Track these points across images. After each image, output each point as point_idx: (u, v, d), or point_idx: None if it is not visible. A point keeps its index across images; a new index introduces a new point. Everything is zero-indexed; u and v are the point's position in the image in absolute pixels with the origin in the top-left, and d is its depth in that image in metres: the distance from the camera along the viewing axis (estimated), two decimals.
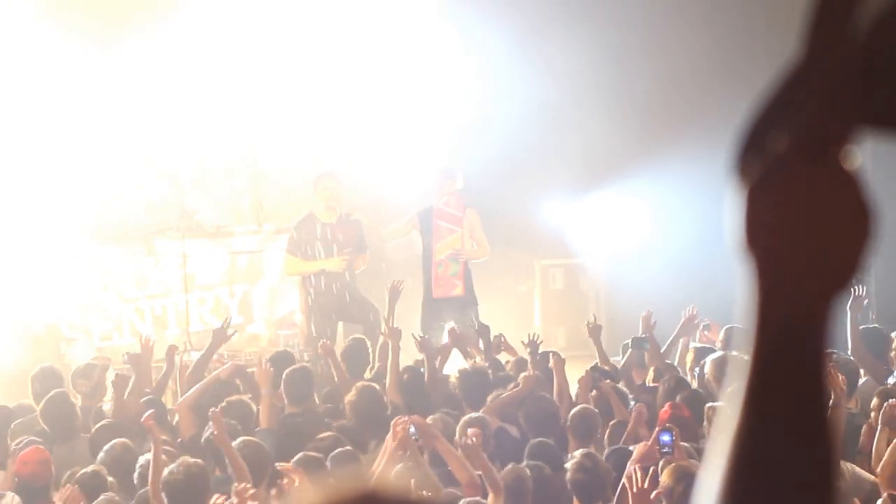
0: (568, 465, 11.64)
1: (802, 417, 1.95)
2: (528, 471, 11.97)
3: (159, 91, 21.11)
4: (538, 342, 15.91)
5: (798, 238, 1.94)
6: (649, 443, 11.65)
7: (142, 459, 12.76)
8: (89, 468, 12.60)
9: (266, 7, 20.96)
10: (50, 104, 20.56)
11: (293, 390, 14.91)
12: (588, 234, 21.96)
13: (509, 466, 12.04)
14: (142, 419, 12.88)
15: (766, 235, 1.95)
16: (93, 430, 14.12)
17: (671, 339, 16.70)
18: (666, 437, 11.38)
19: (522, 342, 16.35)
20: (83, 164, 20.83)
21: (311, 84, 21.57)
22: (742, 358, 1.97)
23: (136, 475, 12.64)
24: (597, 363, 15.68)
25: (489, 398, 14.50)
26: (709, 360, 14.69)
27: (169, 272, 20.84)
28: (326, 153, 21.21)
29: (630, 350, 16.03)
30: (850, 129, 1.92)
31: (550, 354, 15.45)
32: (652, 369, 15.59)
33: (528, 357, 15.84)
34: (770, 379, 1.94)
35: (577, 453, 11.69)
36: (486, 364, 16.17)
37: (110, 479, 12.35)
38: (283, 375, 14.96)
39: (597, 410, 13.49)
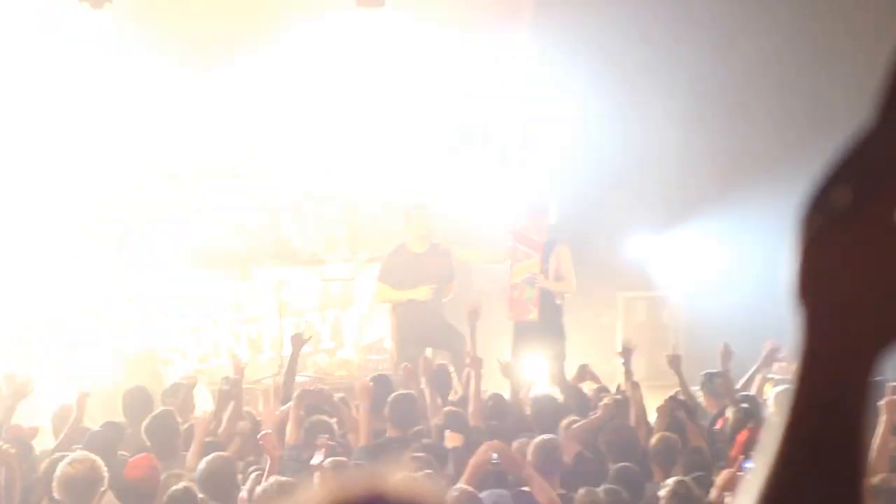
0: (661, 493, 11.80)
1: (837, 455, 1.97)
2: (602, 494, 12.10)
3: (255, 118, 21.46)
4: (631, 350, 16.17)
5: (848, 295, 1.96)
6: (733, 469, 11.75)
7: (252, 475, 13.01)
8: (181, 484, 12.52)
9: (357, 39, 20.99)
10: (152, 128, 20.84)
11: (397, 415, 15.09)
12: (669, 269, 22.25)
13: (582, 490, 12.15)
14: (259, 437, 13.22)
15: (818, 289, 1.96)
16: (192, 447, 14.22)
17: (751, 371, 16.60)
18: (750, 464, 11.46)
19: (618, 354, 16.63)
20: (186, 192, 21.34)
21: (403, 117, 21.77)
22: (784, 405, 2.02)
23: (244, 490, 12.79)
24: (677, 392, 15.79)
25: (563, 423, 14.57)
26: (774, 391, 15.21)
27: (264, 297, 21.23)
28: (417, 184, 21.39)
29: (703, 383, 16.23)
30: None
31: (630, 384, 15.61)
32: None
33: (622, 367, 16.11)
34: (812, 420, 1.98)
35: (671, 481, 11.88)
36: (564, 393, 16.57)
37: (201, 495, 12.28)
38: (390, 399, 15.20)
39: (675, 437, 13.64)
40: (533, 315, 19.16)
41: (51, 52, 20.06)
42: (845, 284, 1.91)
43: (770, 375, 16.19)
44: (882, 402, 12.34)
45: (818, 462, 1.92)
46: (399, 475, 2.00)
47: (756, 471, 1.96)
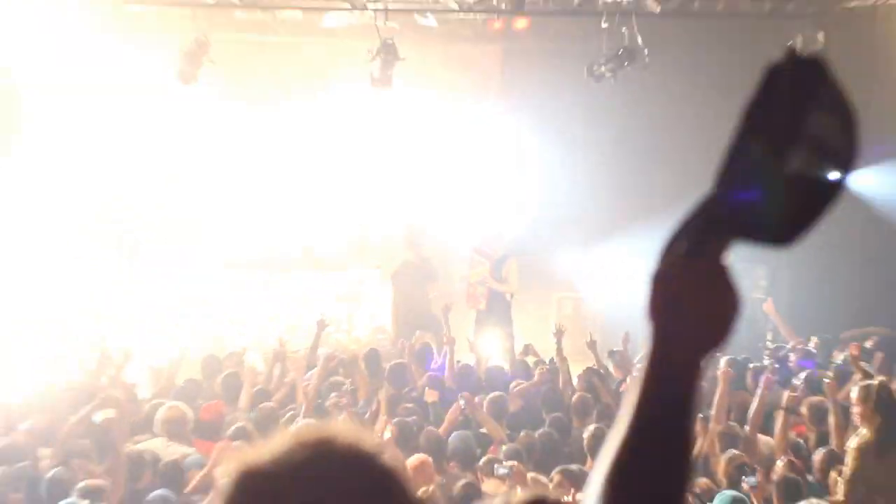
0: (585, 435, 13.14)
1: (674, 421, 2.30)
2: (537, 436, 13.78)
3: (295, 154, 23.02)
4: (562, 333, 17.42)
5: (682, 314, 2.27)
6: None
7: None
8: (239, 423, 14.02)
9: (372, 104, 21.72)
10: (220, 157, 22.55)
11: (393, 377, 16.61)
12: (590, 276, 23.55)
13: (523, 433, 13.95)
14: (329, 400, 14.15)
15: (662, 306, 2.28)
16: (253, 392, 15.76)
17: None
18: None
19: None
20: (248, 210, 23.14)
21: (403, 160, 23.34)
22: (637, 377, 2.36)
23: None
24: (593, 364, 17.24)
25: (511, 385, 16.61)
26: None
27: (298, 292, 23.16)
28: (412, 211, 22.94)
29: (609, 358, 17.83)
30: (726, 239, 2.25)
31: (559, 358, 17.34)
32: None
33: (555, 346, 17.44)
34: (654, 393, 2.29)
35: (591, 427, 13.27)
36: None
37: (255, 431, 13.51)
38: (388, 366, 16.95)
39: (590, 396, 15.34)
40: (482, 306, 21.20)
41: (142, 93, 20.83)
42: (680, 305, 2.25)
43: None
44: (719, 372, 14.11)
45: (661, 417, 2.28)
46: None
47: (616, 429, 2.32)
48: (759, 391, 14.01)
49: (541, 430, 14.06)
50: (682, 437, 2.26)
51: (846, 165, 2.18)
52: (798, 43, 18.79)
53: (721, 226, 2.20)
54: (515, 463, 11.95)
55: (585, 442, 12.92)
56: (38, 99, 20.01)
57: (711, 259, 2.21)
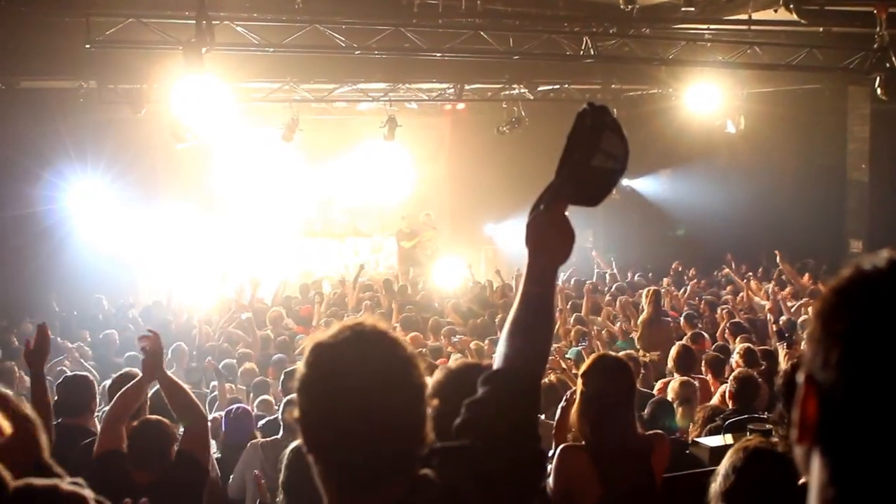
0: (498, 319, 13.05)
1: (543, 300, 2.31)
2: (478, 321, 14.06)
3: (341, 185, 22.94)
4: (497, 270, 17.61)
5: (544, 243, 2.34)
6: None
7: None
8: (320, 319, 14.55)
9: (381, 150, 21.71)
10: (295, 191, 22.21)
11: (401, 295, 16.75)
12: (498, 238, 23.12)
13: (470, 321, 14.31)
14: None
15: (534, 238, 2.35)
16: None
17: None
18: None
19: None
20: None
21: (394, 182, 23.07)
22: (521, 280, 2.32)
23: None
24: (504, 283, 16.85)
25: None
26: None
27: (349, 250, 23.20)
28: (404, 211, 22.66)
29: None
30: (565, 202, 2.33)
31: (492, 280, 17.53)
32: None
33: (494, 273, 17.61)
34: (531, 288, 2.31)
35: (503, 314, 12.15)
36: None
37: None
38: (397, 289, 17.16)
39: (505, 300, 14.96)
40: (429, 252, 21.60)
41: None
42: (542, 238, 2.34)
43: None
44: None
45: (537, 295, 2.32)
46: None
47: (512, 310, 2.33)
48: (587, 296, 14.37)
49: (479, 319, 14.53)
50: (546, 311, 2.30)
51: (623, 162, 2.35)
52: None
53: (560, 196, 2.33)
54: (462, 336, 12.51)
55: (500, 323, 12.72)
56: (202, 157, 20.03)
57: (557, 213, 2.33)
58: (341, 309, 15.35)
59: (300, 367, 2.09)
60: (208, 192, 21.32)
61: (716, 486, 3.31)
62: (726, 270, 18.29)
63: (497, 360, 2.31)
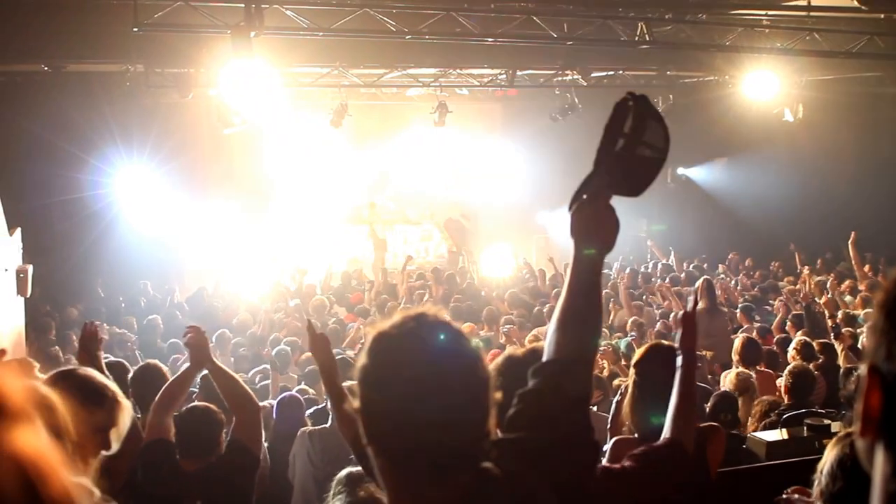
0: (545, 309, 13.25)
1: (589, 289, 2.34)
2: (532, 312, 14.12)
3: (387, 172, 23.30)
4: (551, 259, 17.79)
5: (589, 233, 2.36)
6: None
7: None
8: (367, 306, 15.06)
9: (432, 134, 21.64)
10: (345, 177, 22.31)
11: (449, 283, 17.01)
12: (550, 227, 22.76)
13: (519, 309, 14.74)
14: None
15: (579, 229, 2.38)
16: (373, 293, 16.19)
17: None
18: None
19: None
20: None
21: (445, 171, 23.39)
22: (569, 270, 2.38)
23: None
24: (556, 272, 17.27)
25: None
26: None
27: (399, 238, 23.46)
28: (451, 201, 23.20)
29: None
30: (608, 192, 2.35)
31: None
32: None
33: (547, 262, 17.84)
34: (577, 278, 2.34)
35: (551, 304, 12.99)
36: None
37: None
38: (445, 276, 17.28)
39: (558, 289, 14.39)
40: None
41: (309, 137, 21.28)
42: (588, 228, 2.37)
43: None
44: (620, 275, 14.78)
45: (583, 285, 2.35)
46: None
47: (560, 298, 2.36)
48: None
49: (535, 308, 14.58)
50: (594, 301, 2.34)
51: (665, 152, 2.38)
52: (658, 102, 19.24)
53: (604, 185, 2.36)
54: (512, 326, 12.42)
55: (548, 313, 12.96)
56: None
57: (602, 202, 2.36)
58: (391, 298, 15.49)
59: (362, 356, 2.07)
60: (255, 177, 21.44)
61: (820, 486, 3.08)
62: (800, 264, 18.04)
63: (546, 351, 2.33)
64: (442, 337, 2.01)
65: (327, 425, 7.05)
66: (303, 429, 7.26)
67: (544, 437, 2.16)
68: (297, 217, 21.81)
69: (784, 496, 3.76)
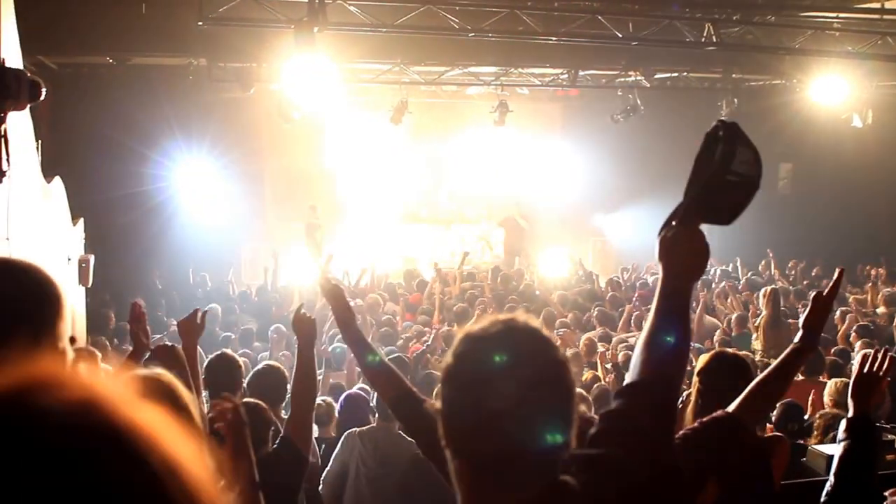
0: (594, 313, 13.90)
1: (678, 315, 2.37)
2: (586, 314, 14.53)
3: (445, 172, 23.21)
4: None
5: (677, 259, 2.40)
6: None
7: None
8: (427, 306, 14.98)
9: (492, 134, 21.75)
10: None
11: (506, 287, 16.72)
12: (610, 229, 23.04)
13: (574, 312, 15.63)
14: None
15: (667, 254, 2.41)
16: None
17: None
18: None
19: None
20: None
21: (506, 171, 23.25)
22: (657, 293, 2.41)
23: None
24: (612, 276, 17.49)
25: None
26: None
27: (456, 238, 23.24)
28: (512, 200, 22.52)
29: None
30: (698, 219, 2.39)
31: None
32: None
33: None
34: (667, 303, 2.37)
35: (597, 309, 13.98)
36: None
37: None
38: (500, 275, 17.34)
39: (613, 293, 15.80)
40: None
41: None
42: (676, 254, 2.39)
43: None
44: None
45: (671, 309, 2.37)
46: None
47: (646, 322, 2.41)
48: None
49: (588, 313, 14.65)
50: (680, 326, 2.37)
51: (758, 179, 2.39)
52: (722, 106, 19.19)
53: (694, 212, 2.39)
54: (567, 329, 12.65)
55: (598, 316, 13.87)
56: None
57: (692, 228, 2.40)
58: (447, 298, 15.45)
59: (447, 357, 2.04)
60: (313, 174, 21.58)
61: None
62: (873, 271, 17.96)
63: (631, 372, 2.35)
64: (529, 342, 1.98)
65: (373, 424, 7.03)
66: (349, 430, 7.12)
67: (625, 457, 2.14)
68: (356, 213, 22.04)
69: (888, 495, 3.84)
